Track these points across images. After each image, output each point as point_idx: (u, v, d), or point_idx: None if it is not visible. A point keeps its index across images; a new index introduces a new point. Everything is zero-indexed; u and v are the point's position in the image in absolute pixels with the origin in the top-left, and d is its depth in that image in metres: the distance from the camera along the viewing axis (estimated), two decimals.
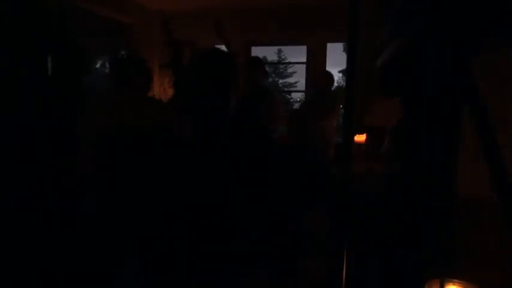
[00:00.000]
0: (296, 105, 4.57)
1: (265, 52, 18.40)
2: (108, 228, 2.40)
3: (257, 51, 5.55)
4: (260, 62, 3.61)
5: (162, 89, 5.48)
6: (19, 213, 2.58)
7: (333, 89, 4.01)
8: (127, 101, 2.64)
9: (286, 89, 20.62)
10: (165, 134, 2.63)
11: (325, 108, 3.68)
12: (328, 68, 5.31)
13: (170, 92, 3.56)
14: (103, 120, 2.55)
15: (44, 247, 2.48)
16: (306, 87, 5.55)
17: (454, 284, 1.25)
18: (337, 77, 20.54)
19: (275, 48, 22.30)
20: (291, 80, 23.76)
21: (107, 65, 5.50)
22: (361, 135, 3.28)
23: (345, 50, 10.36)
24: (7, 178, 2.62)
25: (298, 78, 21.00)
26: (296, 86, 21.03)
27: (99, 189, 2.47)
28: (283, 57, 23.01)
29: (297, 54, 7.03)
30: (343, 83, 18.12)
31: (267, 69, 3.74)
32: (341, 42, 5.86)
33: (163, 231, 2.60)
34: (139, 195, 2.53)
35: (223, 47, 3.43)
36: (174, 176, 2.65)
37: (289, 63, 25.66)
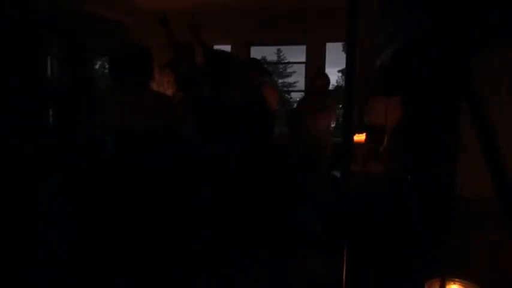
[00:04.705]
0: (296, 105, 4.60)
1: (265, 52, 18.35)
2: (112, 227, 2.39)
3: (256, 51, 5.55)
4: (258, 63, 3.62)
5: (161, 89, 5.47)
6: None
7: (331, 88, 4.02)
8: (127, 100, 2.39)
9: (285, 89, 20.62)
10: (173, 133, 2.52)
11: (322, 108, 3.68)
12: (327, 68, 5.31)
13: (170, 93, 3.55)
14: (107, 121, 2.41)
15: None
16: (305, 87, 5.55)
17: (454, 284, 1.25)
18: (337, 76, 20.53)
19: (274, 48, 22.28)
20: (290, 79, 23.75)
21: (106, 65, 5.50)
22: (360, 135, 3.27)
23: (344, 49, 10.37)
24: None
25: (298, 78, 20.98)
26: (295, 86, 21.02)
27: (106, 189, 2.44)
28: (282, 57, 22.99)
29: (296, 54, 7.03)
30: (342, 83, 18.11)
31: (268, 68, 3.76)
32: (340, 42, 5.86)
33: (164, 230, 2.59)
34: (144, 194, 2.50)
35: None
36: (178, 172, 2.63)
37: (289, 63, 25.63)
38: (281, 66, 24.05)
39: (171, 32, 3.18)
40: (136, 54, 2.44)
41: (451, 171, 1.53)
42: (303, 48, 5.39)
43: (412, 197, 1.84)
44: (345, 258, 1.06)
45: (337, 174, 3.42)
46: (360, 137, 3.25)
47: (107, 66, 5.51)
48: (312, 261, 2.56)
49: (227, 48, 5.30)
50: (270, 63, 22.62)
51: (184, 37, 3.50)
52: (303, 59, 5.44)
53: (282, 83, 23.73)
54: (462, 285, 1.24)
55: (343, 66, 5.40)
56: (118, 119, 2.35)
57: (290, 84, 23.06)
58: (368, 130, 3.27)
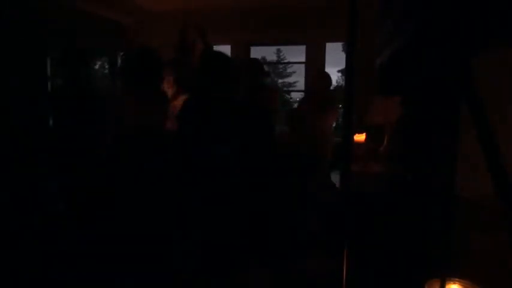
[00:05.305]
0: (295, 105, 4.62)
1: (265, 52, 18.38)
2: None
3: (256, 51, 5.55)
4: (257, 63, 3.60)
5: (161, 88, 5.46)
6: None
7: (331, 88, 4.01)
8: (139, 99, 2.57)
9: (285, 89, 20.62)
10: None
11: (323, 109, 3.68)
12: (327, 68, 5.31)
13: (170, 92, 3.55)
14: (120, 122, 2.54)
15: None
16: (305, 87, 5.55)
17: (454, 283, 1.25)
18: (336, 76, 20.56)
19: (274, 48, 22.30)
20: (290, 79, 23.77)
21: (107, 65, 5.50)
22: (360, 135, 3.27)
23: (344, 49, 10.36)
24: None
25: (298, 78, 21.02)
26: (295, 86, 21.07)
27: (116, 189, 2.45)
28: (282, 57, 23.03)
29: (296, 54, 7.03)
30: (342, 83, 18.13)
31: (266, 69, 3.75)
32: (340, 42, 5.86)
33: (164, 230, 2.59)
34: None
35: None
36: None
37: (288, 63, 25.67)
38: (281, 66, 24.08)
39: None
40: (148, 57, 2.66)
41: (451, 171, 1.53)
42: (303, 48, 5.39)
43: (412, 197, 1.84)
44: (345, 258, 1.06)
45: (337, 176, 3.41)
46: (360, 137, 3.25)
47: (106, 66, 5.51)
48: (312, 261, 2.56)
49: (227, 48, 5.30)
50: (270, 63, 22.61)
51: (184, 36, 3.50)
52: (303, 59, 5.43)
53: (282, 83, 23.75)
54: (462, 285, 1.24)
55: (343, 66, 5.39)
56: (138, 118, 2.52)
57: (290, 84, 23.09)
58: (368, 130, 3.27)
